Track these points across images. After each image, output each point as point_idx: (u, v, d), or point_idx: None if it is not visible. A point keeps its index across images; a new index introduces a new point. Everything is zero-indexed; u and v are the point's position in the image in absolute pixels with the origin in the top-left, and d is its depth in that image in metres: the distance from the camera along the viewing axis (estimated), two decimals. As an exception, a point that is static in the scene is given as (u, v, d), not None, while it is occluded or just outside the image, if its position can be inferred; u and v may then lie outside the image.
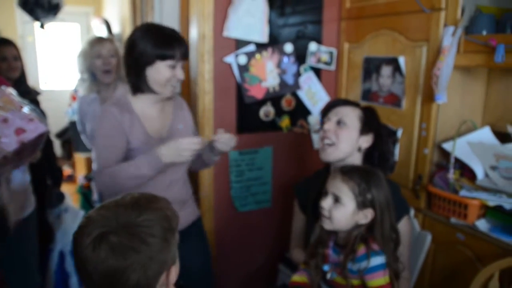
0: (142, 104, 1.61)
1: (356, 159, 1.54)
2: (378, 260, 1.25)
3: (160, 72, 1.53)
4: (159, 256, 0.89)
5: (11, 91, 1.72)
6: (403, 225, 1.49)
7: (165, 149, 1.48)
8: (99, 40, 2.37)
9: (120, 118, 1.56)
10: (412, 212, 1.83)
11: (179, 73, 1.56)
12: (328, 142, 1.51)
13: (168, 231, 0.92)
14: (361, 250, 1.27)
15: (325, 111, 1.58)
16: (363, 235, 1.29)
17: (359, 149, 1.53)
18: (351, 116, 1.51)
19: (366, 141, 1.53)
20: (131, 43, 1.55)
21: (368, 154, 1.55)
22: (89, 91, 2.41)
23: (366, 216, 1.30)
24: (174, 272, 0.96)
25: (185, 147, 1.47)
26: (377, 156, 1.56)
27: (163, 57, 1.51)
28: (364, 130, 1.51)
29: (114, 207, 0.91)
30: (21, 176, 1.85)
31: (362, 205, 1.29)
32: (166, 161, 1.48)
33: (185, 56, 1.57)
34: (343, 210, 1.30)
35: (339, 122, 1.51)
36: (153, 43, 1.51)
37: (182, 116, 1.72)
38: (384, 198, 1.30)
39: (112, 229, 0.86)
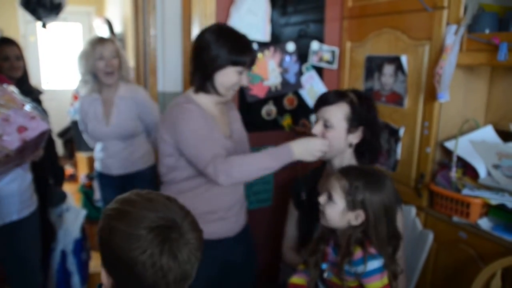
0: (206, 105, 1.61)
1: (347, 154, 1.54)
2: (375, 264, 1.24)
3: (229, 77, 1.54)
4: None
5: (13, 89, 1.72)
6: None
7: (296, 146, 1.48)
8: (100, 41, 2.35)
9: (201, 113, 1.56)
10: (414, 210, 1.83)
11: (245, 80, 1.58)
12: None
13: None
14: (358, 253, 1.25)
15: (315, 110, 1.57)
16: (360, 238, 1.27)
17: (350, 145, 1.53)
18: (338, 117, 1.49)
19: (355, 137, 1.52)
20: (204, 45, 1.54)
21: (359, 147, 1.54)
22: (91, 92, 2.41)
23: (357, 217, 1.27)
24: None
25: (318, 148, 1.48)
26: (367, 149, 1.55)
27: (235, 63, 1.53)
28: (351, 128, 1.50)
29: (160, 204, 0.88)
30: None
31: (352, 205, 1.26)
32: (298, 157, 1.48)
33: (253, 64, 1.61)
34: (334, 207, 1.29)
35: (325, 124, 1.51)
36: (228, 49, 1.51)
37: (235, 116, 1.76)
38: (380, 202, 1.26)
39: (175, 227, 0.85)
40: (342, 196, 1.28)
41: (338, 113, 1.49)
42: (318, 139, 1.50)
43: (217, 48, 1.51)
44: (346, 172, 1.32)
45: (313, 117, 2.36)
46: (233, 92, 1.61)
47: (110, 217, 0.87)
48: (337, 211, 1.29)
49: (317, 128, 1.52)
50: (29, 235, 1.94)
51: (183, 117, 1.53)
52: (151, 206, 0.86)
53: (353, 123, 1.49)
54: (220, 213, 1.63)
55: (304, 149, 1.48)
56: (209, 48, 1.52)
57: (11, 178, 1.81)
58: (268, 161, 1.48)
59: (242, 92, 2.20)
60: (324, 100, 1.53)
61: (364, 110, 1.51)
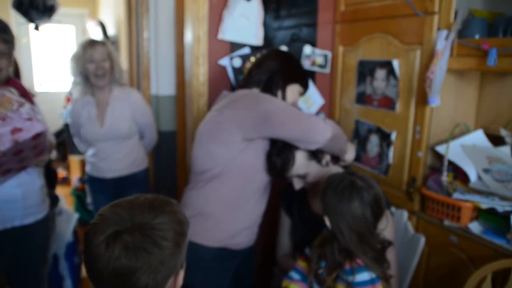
0: None
1: (333, 169, 1.59)
2: (365, 275, 1.24)
3: (294, 93, 1.69)
4: (170, 260, 0.88)
5: (12, 90, 1.70)
6: (383, 221, 1.51)
7: (351, 147, 1.66)
8: (91, 44, 2.36)
9: None
10: (405, 214, 1.84)
11: (297, 102, 1.74)
12: (310, 188, 1.61)
13: (180, 235, 0.92)
14: (347, 264, 1.26)
15: (279, 177, 1.59)
16: (345, 248, 1.27)
17: (327, 164, 1.58)
18: (303, 165, 1.53)
19: (326, 157, 1.57)
20: (289, 56, 1.73)
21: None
22: (83, 94, 2.41)
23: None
24: (181, 276, 0.96)
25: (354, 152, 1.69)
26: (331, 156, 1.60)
27: (303, 84, 1.71)
28: (319, 158, 1.54)
29: (129, 207, 0.90)
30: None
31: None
32: (346, 154, 1.63)
33: (302, 94, 1.76)
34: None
35: (300, 177, 1.55)
36: (302, 70, 1.77)
37: None
38: (337, 207, 1.26)
39: (127, 228, 0.86)
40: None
41: (301, 163, 1.53)
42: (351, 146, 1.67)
43: (299, 65, 1.77)
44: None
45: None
46: None
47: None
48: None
49: (297, 184, 1.57)
50: (34, 243, 1.86)
51: (266, 97, 1.54)
52: (114, 212, 0.90)
53: (315, 153, 1.53)
54: (251, 223, 1.64)
55: (351, 151, 1.66)
56: (294, 61, 1.73)
57: (16, 183, 1.73)
58: (343, 140, 1.58)
59: (235, 96, 2.20)
60: (281, 168, 1.52)
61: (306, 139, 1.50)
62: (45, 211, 1.89)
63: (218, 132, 1.51)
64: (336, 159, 1.62)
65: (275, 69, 1.64)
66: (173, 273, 0.92)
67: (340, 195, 1.27)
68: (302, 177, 1.53)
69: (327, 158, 1.55)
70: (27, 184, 1.78)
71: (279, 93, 1.64)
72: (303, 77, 1.72)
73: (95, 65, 2.31)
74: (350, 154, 1.64)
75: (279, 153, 1.50)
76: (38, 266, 1.92)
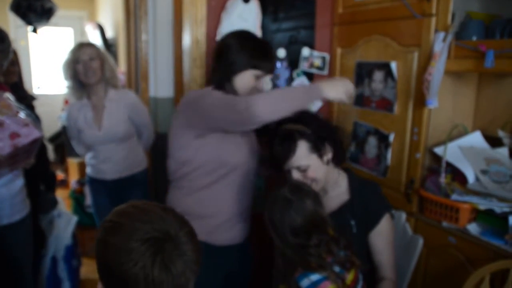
0: None
1: (331, 169, 1.57)
2: (305, 282, 1.29)
3: (247, 80, 1.58)
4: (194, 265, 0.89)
5: (9, 95, 1.72)
6: (383, 224, 1.52)
7: (327, 83, 1.49)
8: (79, 46, 2.39)
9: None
10: (404, 216, 1.84)
11: (261, 84, 1.62)
12: (310, 184, 1.51)
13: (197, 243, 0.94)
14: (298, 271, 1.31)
15: (280, 166, 1.53)
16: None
17: (328, 163, 1.53)
18: (304, 157, 1.48)
19: (328, 154, 1.52)
20: (226, 48, 1.59)
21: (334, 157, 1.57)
22: (77, 98, 2.42)
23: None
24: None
25: (346, 85, 1.49)
26: (338, 154, 1.57)
27: (255, 67, 1.57)
28: (321, 152, 1.50)
29: (154, 215, 0.87)
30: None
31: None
32: (326, 94, 1.47)
33: (272, 71, 1.65)
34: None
35: (299, 169, 1.49)
36: (249, 52, 1.57)
37: None
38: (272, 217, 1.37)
39: (169, 239, 0.84)
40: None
41: (302, 155, 1.48)
42: (346, 79, 1.53)
43: (239, 51, 1.57)
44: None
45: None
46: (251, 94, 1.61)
47: (105, 231, 0.86)
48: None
49: (296, 176, 1.51)
50: (20, 240, 1.93)
51: (203, 93, 1.58)
52: (145, 218, 0.85)
53: (319, 148, 1.49)
54: (227, 217, 1.64)
55: (332, 85, 1.49)
56: (231, 50, 1.58)
57: (1, 183, 1.80)
58: (297, 92, 1.50)
59: (233, 98, 2.20)
60: (281, 157, 1.50)
61: (317, 131, 1.50)
62: (28, 208, 1.97)
63: (173, 137, 1.63)
64: (338, 160, 1.59)
65: (215, 65, 1.64)
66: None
67: (274, 210, 1.36)
68: (302, 170, 1.51)
69: (329, 155, 1.53)
70: (11, 183, 1.85)
71: (227, 87, 1.60)
72: (247, 62, 1.57)
73: (82, 65, 2.33)
74: (330, 91, 1.47)
75: (281, 142, 1.49)
76: (24, 262, 1.98)
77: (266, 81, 1.64)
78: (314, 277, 1.28)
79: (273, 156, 1.52)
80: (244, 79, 1.59)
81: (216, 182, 1.59)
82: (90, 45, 2.44)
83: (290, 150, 1.47)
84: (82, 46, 2.39)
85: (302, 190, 1.38)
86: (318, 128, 1.51)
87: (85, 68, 2.33)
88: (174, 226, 0.85)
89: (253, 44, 1.61)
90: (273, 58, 1.65)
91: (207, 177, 1.59)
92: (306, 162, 1.48)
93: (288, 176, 1.53)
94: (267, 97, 1.45)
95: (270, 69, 1.63)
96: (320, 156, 1.50)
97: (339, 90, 1.48)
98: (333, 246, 1.32)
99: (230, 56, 1.58)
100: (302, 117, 1.51)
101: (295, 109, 1.45)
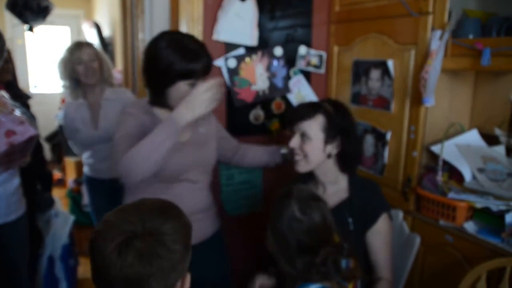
0: (162, 110, 1.56)
1: (329, 164, 1.56)
2: (316, 286, 1.24)
3: (181, 91, 1.46)
4: (180, 264, 0.88)
5: (3, 93, 1.72)
6: (381, 223, 1.51)
7: (179, 108, 1.38)
8: (78, 46, 2.38)
9: (141, 117, 1.52)
10: (401, 214, 1.84)
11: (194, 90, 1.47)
12: (298, 158, 1.54)
13: (188, 239, 0.93)
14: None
15: (290, 123, 1.56)
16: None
17: (329, 156, 1.54)
18: (314, 129, 1.50)
19: (334, 147, 1.52)
20: (152, 60, 1.47)
21: (341, 156, 1.55)
22: (74, 97, 2.41)
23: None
24: (188, 279, 0.96)
25: (203, 95, 1.37)
26: (348, 157, 1.56)
27: (185, 77, 1.44)
28: (329, 139, 1.50)
29: (137, 212, 0.89)
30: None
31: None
32: (185, 120, 1.37)
33: (207, 71, 1.50)
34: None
35: (302, 136, 1.51)
36: (175, 62, 1.42)
37: (206, 120, 1.67)
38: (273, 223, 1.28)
39: (138, 234, 0.85)
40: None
41: (314, 126, 1.50)
42: (198, 86, 1.39)
43: (165, 61, 1.42)
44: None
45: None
46: None
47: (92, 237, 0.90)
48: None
49: (294, 141, 1.52)
50: (16, 240, 1.93)
51: (119, 121, 1.53)
52: (119, 221, 0.88)
53: (330, 133, 1.50)
54: None
55: (186, 107, 1.37)
56: (158, 61, 1.44)
57: None
58: (157, 136, 1.36)
59: (229, 97, 2.20)
60: (299, 115, 1.53)
61: (339, 119, 1.52)
62: (24, 208, 1.96)
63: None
64: (343, 165, 1.57)
65: (145, 79, 1.54)
66: (181, 277, 0.92)
67: (276, 213, 1.28)
68: (303, 140, 1.50)
69: (333, 150, 1.52)
70: (7, 182, 1.84)
71: (163, 102, 1.52)
72: (175, 74, 1.44)
73: (83, 66, 2.33)
74: (187, 115, 1.38)
75: (307, 105, 1.58)
76: (20, 261, 1.97)
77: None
78: (315, 287, 1.23)
79: (293, 111, 1.58)
80: (179, 91, 1.46)
81: (167, 188, 1.54)
82: (89, 45, 2.43)
83: (308, 114, 1.51)
84: (82, 46, 2.38)
85: (311, 205, 1.29)
86: (342, 121, 1.52)
87: (86, 68, 2.33)
88: (140, 223, 0.87)
89: (177, 50, 1.44)
90: (203, 58, 1.47)
91: (155, 184, 1.53)
92: (312, 134, 1.50)
93: (288, 141, 1.55)
94: (135, 157, 1.34)
95: (203, 72, 1.48)
96: (326, 141, 1.50)
97: (196, 106, 1.38)
98: (339, 258, 1.27)
99: (157, 69, 1.45)
100: (339, 105, 1.57)
101: (166, 150, 1.37)
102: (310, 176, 1.65)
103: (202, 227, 1.64)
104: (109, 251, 0.83)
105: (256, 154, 1.88)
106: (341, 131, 1.51)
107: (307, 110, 1.52)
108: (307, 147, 1.51)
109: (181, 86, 1.46)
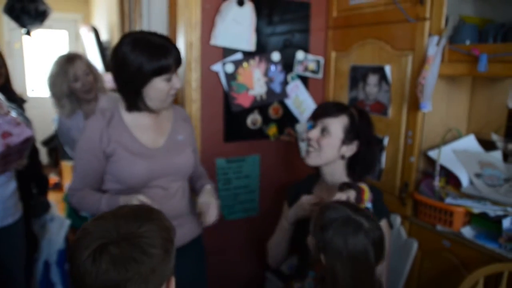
0: (133, 116, 1.53)
1: (339, 166, 1.57)
2: None
3: (158, 88, 1.43)
4: (160, 268, 0.87)
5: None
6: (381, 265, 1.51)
7: (124, 199, 1.42)
8: (69, 60, 2.24)
9: (103, 129, 1.49)
10: (398, 219, 1.84)
11: (176, 83, 1.47)
12: (311, 150, 1.57)
13: (168, 242, 0.91)
14: None
15: (314, 117, 1.60)
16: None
17: (342, 157, 1.55)
18: (336, 126, 1.53)
19: (349, 149, 1.54)
20: (121, 63, 1.42)
21: (352, 161, 1.56)
22: (68, 115, 2.32)
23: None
24: (173, 283, 0.94)
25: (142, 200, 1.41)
26: (360, 164, 1.56)
27: (159, 73, 1.41)
28: (347, 140, 1.53)
29: (113, 218, 0.89)
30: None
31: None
32: (103, 209, 1.45)
33: (179, 64, 1.47)
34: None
35: (323, 130, 1.55)
36: (146, 60, 1.38)
37: (183, 128, 1.65)
38: (337, 245, 1.15)
39: (112, 240, 0.83)
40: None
41: (337, 124, 1.54)
42: (142, 196, 1.42)
43: (135, 63, 1.38)
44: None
45: (299, 126, 2.37)
46: (171, 97, 1.51)
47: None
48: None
49: (314, 133, 1.56)
50: (12, 244, 1.92)
51: (83, 130, 1.54)
52: (97, 229, 0.88)
53: (349, 135, 1.53)
54: None
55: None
56: (127, 64, 1.40)
57: None
58: (96, 204, 1.49)
59: (227, 101, 2.20)
60: (326, 111, 1.57)
61: (362, 125, 1.55)
62: (20, 211, 1.96)
63: None
64: (353, 171, 1.57)
65: (118, 84, 1.50)
66: (165, 280, 0.90)
67: (343, 233, 1.15)
68: (322, 134, 1.54)
69: (347, 152, 1.54)
70: (4, 186, 1.84)
71: (141, 105, 1.49)
72: (149, 72, 1.40)
73: (81, 83, 2.23)
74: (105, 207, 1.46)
75: (335, 103, 1.64)
76: (16, 266, 1.96)
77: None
78: None
79: (320, 107, 1.65)
80: (155, 87, 1.43)
81: (140, 192, 1.50)
82: (80, 58, 2.30)
83: (334, 112, 1.56)
84: (74, 60, 2.25)
85: (374, 219, 1.21)
86: (364, 128, 1.56)
87: (83, 85, 2.24)
88: (115, 230, 0.86)
89: (145, 48, 1.40)
90: (174, 50, 1.44)
91: (126, 189, 1.52)
92: (333, 130, 1.53)
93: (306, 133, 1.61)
94: (76, 198, 1.55)
95: (175, 65, 1.45)
96: (343, 141, 1.53)
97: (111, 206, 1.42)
98: None
99: (128, 70, 1.40)
100: (364, 113, 1.60)
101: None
102: (316, 178, 1.65)
103: (177, 234, 1.61)
104: (83, 260, 0.82)
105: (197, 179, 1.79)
106: (360, 136, 1.54)
107: (334, 109, 1.57)
108: (324, 141, 1.54)
109: (157, 82, 1.43)
